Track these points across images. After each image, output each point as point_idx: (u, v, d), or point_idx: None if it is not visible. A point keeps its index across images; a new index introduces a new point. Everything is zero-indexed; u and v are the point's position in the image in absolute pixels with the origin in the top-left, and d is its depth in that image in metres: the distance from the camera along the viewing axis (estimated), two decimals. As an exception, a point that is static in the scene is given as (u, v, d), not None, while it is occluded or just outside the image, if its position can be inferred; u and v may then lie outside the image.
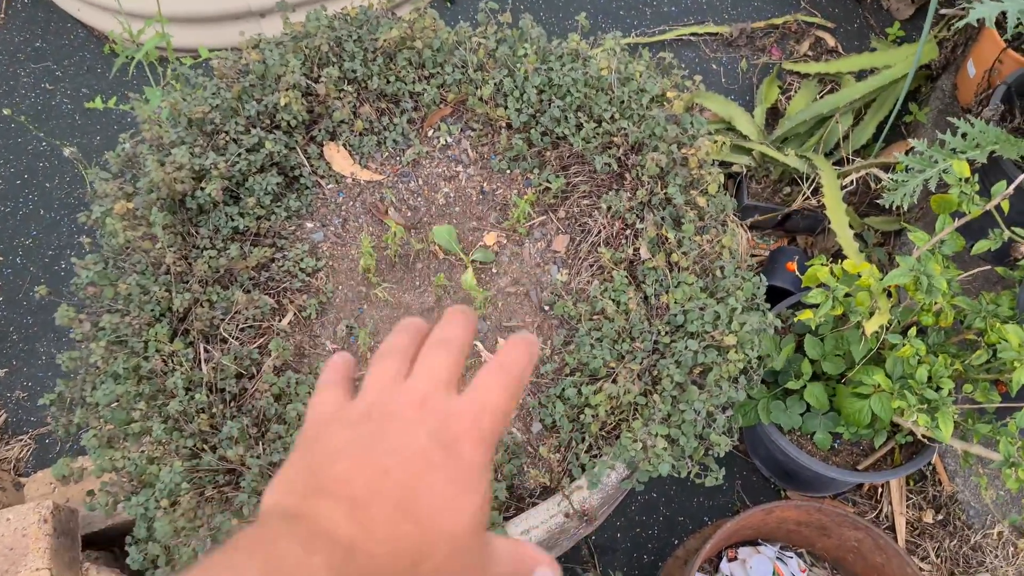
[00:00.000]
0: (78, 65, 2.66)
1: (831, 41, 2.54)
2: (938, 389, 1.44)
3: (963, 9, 2.31)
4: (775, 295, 2.00)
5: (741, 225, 2.14)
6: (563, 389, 1.32)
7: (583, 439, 1.31)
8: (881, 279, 1.43)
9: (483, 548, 0.47)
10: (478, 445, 0.46)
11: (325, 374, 0.54)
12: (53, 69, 2.65)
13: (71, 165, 2.47)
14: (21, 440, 2.13)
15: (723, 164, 2.15)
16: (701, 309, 1.31)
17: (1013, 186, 1.33)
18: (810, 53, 2.53)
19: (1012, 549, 1.88)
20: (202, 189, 1.38)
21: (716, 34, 2.58)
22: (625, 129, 1.44)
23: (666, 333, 1.33)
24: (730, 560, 1.86)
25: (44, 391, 2.16)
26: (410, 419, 0.46)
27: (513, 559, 0.50)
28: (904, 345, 1.44)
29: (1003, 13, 1.66)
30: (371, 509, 0.42)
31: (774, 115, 2.36)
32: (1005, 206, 1.37)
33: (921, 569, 1.93)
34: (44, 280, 2.31)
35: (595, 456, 1.29)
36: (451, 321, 0.52)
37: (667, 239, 1.38)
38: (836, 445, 1.73)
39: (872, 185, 2.06)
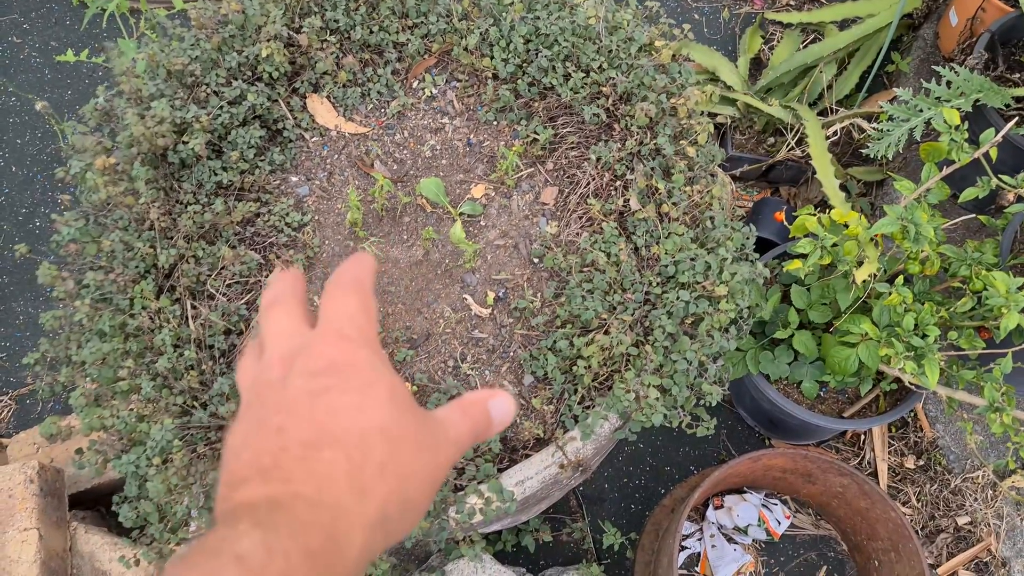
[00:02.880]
0: (46, 17, 2.58)
1: (813, -10, 2.52)
2: (924, 337, 1.46)
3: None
4: (760, 246, 2.01)
5: (726, 176, 2.13)
6: (555, 341, 1.32)
7: (575, 390, 1.31)
8: (868, 228, 1.43)
9: (425, 422, 0.47)
10: (353, 349, 0.46)
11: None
12: (20, 22, 2.57)
13: (42, 120, 2.41)
14: (1, 401, 2.10)
15: (708, 115, 2.14)
16: (692, 260, 1.31)
17: (1001, 134, 1.33)
18: (792, 2, 2.51)
19: (991, 492, 1.92)
20: (184, 143, 1.35)
21: (698, -17, 2.55)
22: (613, 79, 1.42)
23: (657, 284, 1.33)
24: (716, 508, 1.89)
25: (23, 351, 2.14)
26: (279, 377, 0.46)
27: (461, 413, 0.50)
28: (891, 293, 1.45)
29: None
30: (281, 464, 0.41)
31: (757, 65, 2.35)
32: (993, 154, 1.38)
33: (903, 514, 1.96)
34: (18, 239, 2.27)
35: (588, 407, 1.30)
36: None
37: (657, 190, 1.37)
38: (822, 393, 1.75)
39: (855, 135, 2.06)
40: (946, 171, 1.41)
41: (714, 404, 1.28)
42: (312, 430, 0.42)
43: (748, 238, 1.38)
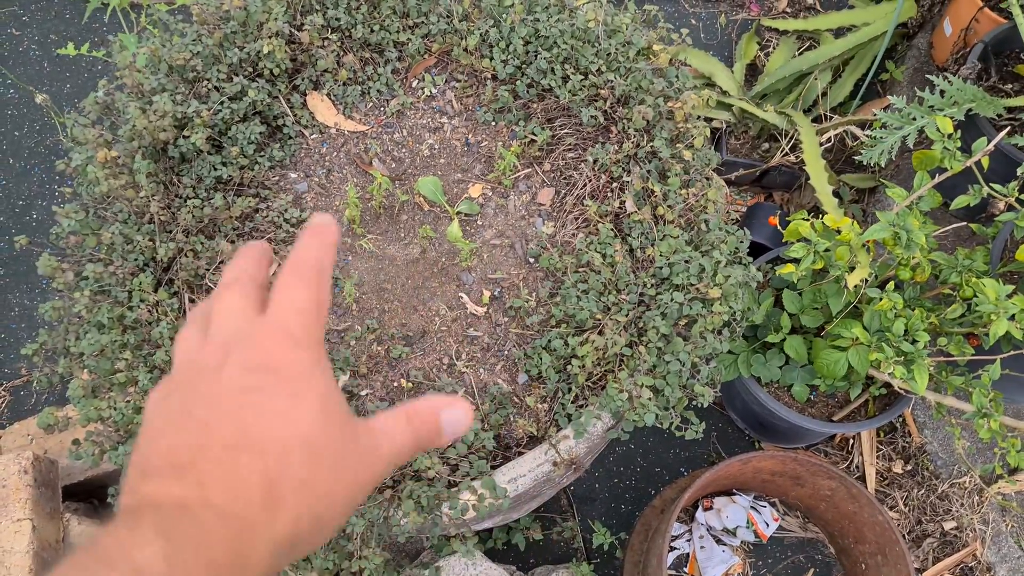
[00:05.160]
0: (46, 10, 2.59)
1: (809, -3, 2.55)
2: (914, 342, 1.47)
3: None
4: (753, 250, 2.02)
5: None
6: (549, 340, 1.34)
7: (569, 389, 1.32)
8: (861, 234, 1.45)
9: (356, 433, 0.45)
10: (294, 348, 0.44)
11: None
12: (20, 14, 2.57)
13: (41, 112, 2.42)
14: (-5, 392, 2.11)
15: (704, 119, 2.16)
16: (686, 262, 1.32)
17: (993, 143, 1.35)
18: (788, 10, 2.53)
19: (977, 498, 1.94)
20: (185, 137, 1.36)
21: (696, -12, 2.57)
22: (612, 82, 1.44)
23: (652, 285, 1.34)
24: (705, 509, 1.91)
25: (18, 343, 2.14)
26: (215, 364, 0.44)
27: (405, 422, 0.48)
28: (882, 299, 1.47)
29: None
30: (198, 464, 0.40)
31: (753, 71, 2.37)
32: (985, 163, 1.40)
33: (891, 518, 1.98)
34: (15, 231, 2.27)
35: (581, 406, 1.31)
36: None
37: (653, 192, 1.39)
38: (812, 397, 1.77)
39: (849, 142, 2.08)
40: (938, 179, 1.42)
41: (705, 406, 1.29)
42: (235, 431, 0.41)
43: (742, 242, 1.40)
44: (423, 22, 1.54)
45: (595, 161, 1.45)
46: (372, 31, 1.52)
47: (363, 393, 1.35)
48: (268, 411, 0.42)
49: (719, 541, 1.89)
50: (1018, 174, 1.42)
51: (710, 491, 1.92)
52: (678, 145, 1.41)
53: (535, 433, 1.31)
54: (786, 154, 2.05)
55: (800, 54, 2.30)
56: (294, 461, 0.41)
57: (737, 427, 2.08)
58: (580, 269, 1.39)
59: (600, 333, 1.31)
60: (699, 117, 1.45)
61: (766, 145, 2.14)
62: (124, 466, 1.23)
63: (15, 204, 2.32)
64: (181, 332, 0.49)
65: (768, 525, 1.90)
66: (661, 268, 1.34)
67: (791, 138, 2.03)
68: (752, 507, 1.92)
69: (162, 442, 0.42)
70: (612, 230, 1.39)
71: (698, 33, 2.53)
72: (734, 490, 1.94)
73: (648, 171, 1.41)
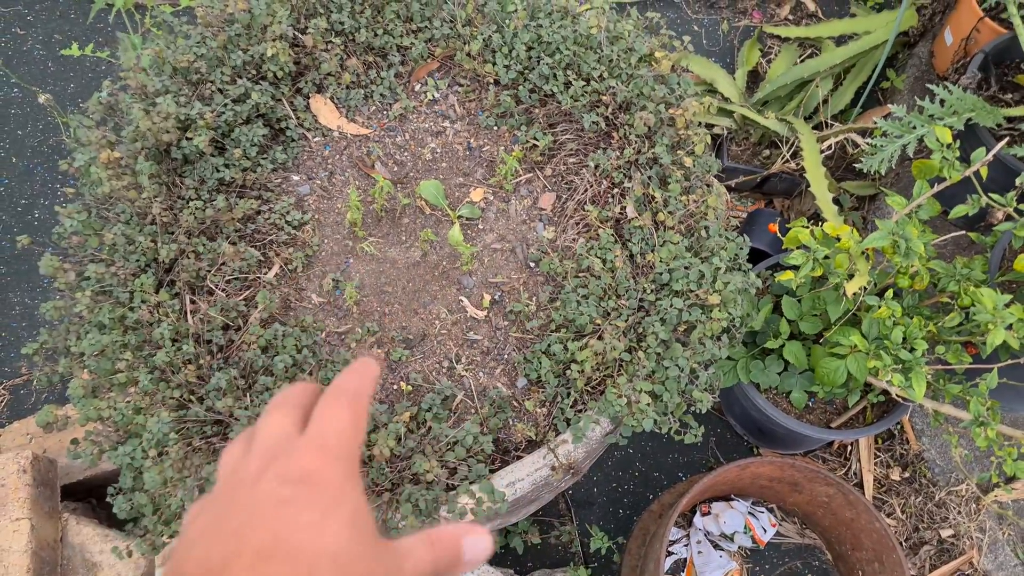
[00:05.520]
0: (50, 10, 2.60)
1: (811, 5, 2.55)
2: (912, 350, 1.48)
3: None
4: (753, 257, 2.03)
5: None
6: (549, 345, 1.34)
7: (568, 394, 1.33)
8: (860, 242, 1.46)
9: (379, 552, 0.46)
10: (329, 464, 0.46)
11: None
12: (24, 13, 2.58)
13: (44, 112, 2.42)
14: (-5, 391, 2.11)
15: (705, 126, 2.17)
16: (686, 268, 1.33)
17: (992, 153, 1.36)
18: (790, 17, 2.54)
19: (975, 506, 1.94)
20: (188, 139, 1.37)
21: (698, -5, 2.58)
22: (613, 88, 1.45)
23: (651, 291, 1.35)
24: (703, 515, 1.91)
25: (19, 341, 2.14)
26: (254, 475, 0.46)
27: (428, 545, 0.49)
28: (881, 307, 1.47)
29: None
30: (230, 569, 0.41)
31: (754, 78, 2.38)
32: (984, 172, 1.40)
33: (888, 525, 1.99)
34: (17, 230, 2.28)
35: (580, 411, 1.32)
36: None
37: (653, 198, 1.39)
38: (810, 404, 1.78)
39: (849, 150, 2.09)
40: (937, 188, 1.43)
41: (704, 411, 1.30)
42: (268, 540, 0.42)
43: (742, 248, 1.40)
44: (426, 27, 1.55)
45: (596, 167, 1.45)
46: (376, 35, 1.53)
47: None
48: (301, 523, 0.43)
49: (716, 546, 1.89)
50: (1017, 184, 1.43)
51: (708, 496, 1.93)
52: (679, 151, 1.42)
53: (534, 437, 1.31)
54: (787, 161, 2.05)
55: (801, 61, 2.31)
56: (323, 573, 0.42)
57: (736, 433, 2.09)
58: (580, 274, 1.39)
59: (599, 338, 1.31)
60: (700, 124, 1.46)
61: (767, 152, 2.14)
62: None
63: (17, 203, 2.32)
64: (227, 448, 0.52)
65: (766, 531, 1.91)
66: (661, 274, 1.34)
67: (792, 145, 2.03)
68: (750, 513, 1.92)
69: (197, 550, 0.43)
70: (613, 235, 1.40)
71: (700, 40, 2.54)
72: (732, 496, 1.94)
73: (649, 177, 1.41)
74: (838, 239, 1.47)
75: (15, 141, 2.40)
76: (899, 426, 2.04)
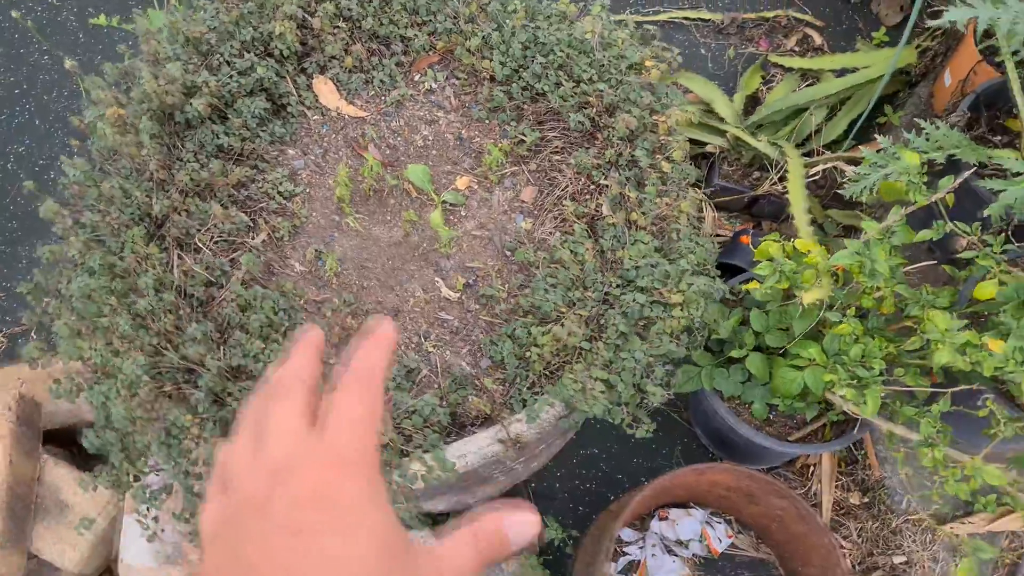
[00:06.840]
0: (84, -18, 2.70)
1: (818, 39, 2.61)
2: (869, 368, 1.52)
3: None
4: (734, 274, 2.08)
5: (708, 204, 2.21)
6: (514, 329, 1.40)
7: (527, 376, 1.38)
8: (828, 259, 1.51)
9: (417, 564, 0.44)
10: (346, 477, 0.43)
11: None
12: (59, -17, 2.69)
13: (70, 80, 2.51)
14: (-6, 339, 2.19)
15: (698, 143, 2.22)
16: (653, 267, 1.38)
17: (957, 182, 1.41)
18: (796, 48, 2.60)
19: (931, 536, 1.98)
20: (191, 104, 1.44)
21: (708, 20, 2.64)
22: (601, 91, 1.51)
23: (617, 286, 1.40)
24: (661, 519, 1.95)
25: (22, 294, 2.22)
26: (264, 496, 0.43)
27: (472, 541, 0.47)
28: (841, 323, 1.52)
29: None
30: None
31: (754, 103, 2.43)
32: (951, 200, 1.45)
33: (842, 547, 2.02)
34: (30, 188, 2.36)
35: (537, 393, 1.37)
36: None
37: (629, 198, 1.45)
38: (771, 417, 1.82)
39: (838, 178, 2.14)
40: (906, 211, 1.48)
41: (655, 405, 1.34)
42: (288, 565, 0.39)
43: (711, 254, 1.45)
44: (431, 20, 1.62)
45: (578, 164, 1.52)
46: (381, 24, 1.60)
47: (331, 362, 1.41)
48: (318, 555, 0.40)
49: (670, 551, 1.93)
50: (983, 214, 1.48)
51: (665, 501, 1.97)
52: (658, 156, 1.48)
53: (489, 413, 1.36)
54: (774, 183, 2.11)
55: (800, 91, 2.37)
56: None
57: (701, 443, 2.13)
58: (552, 264, 1.45)
59: (562, 325, 1.37)
60: (682, 134, 1.51)
61: (757, 174, 2.20)
62: None
63: (36, 163, 2.41)
64: (229, 445, 0.48)
65: (721, 541, 1.95)
66: (628, 270, 1.40)
67: (780, 169, 2.09)
68: (707, 522, 1.96)
69: None
70: (586, 230, 1.46)
71: (706, 63, 2.60)
72: (691, 504, 1.98)
73: (627, 178, 1.47)
74: (808, 255, 1.52)
75: (40, 105, 2.49)
76: (863, 452, 2.08)
